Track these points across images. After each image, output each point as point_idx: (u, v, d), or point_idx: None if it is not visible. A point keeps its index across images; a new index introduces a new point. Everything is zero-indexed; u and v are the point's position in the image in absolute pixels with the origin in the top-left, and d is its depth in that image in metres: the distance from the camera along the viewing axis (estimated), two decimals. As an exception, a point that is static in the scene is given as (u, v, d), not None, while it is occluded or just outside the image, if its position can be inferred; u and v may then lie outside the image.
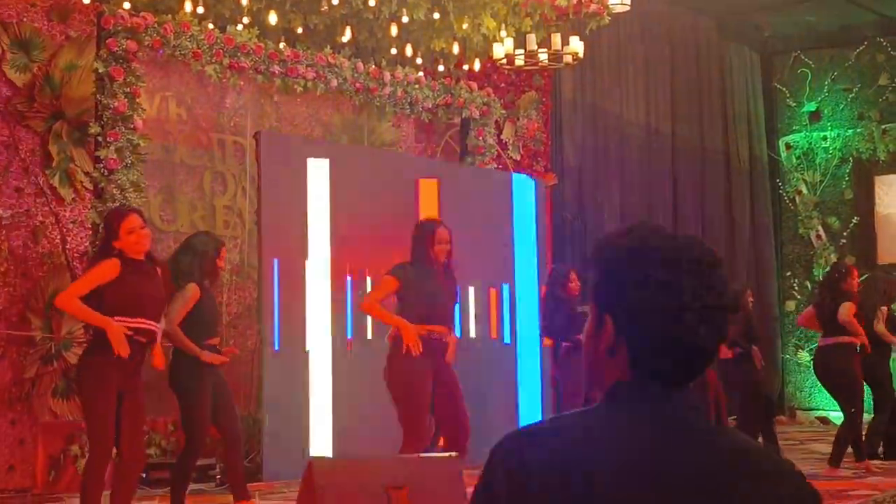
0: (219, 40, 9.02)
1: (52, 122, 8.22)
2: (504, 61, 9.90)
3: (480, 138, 11.34)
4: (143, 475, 7.92)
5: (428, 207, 9.12)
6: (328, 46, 9.94)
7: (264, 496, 7.58)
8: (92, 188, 8.35)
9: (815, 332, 14.41)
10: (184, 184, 9.18)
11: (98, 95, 8.38)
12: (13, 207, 8.00)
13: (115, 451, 5.91)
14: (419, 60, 10.64)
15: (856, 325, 9.01)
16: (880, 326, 9.32)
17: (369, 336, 8.70)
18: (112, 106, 8.33)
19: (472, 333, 9.53)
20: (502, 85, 11.86)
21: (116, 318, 5.69)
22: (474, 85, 11.25)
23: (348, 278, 8.77)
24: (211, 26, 9.06)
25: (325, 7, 9.24)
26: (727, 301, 1.65)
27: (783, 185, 15.48)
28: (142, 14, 8.58)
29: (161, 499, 7.54)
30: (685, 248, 1.65)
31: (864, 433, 9.32)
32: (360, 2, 9.28)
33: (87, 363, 5.88)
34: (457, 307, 7.41)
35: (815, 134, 15.22)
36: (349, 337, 8.73)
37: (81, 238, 8.26)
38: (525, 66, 9.98)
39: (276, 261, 8.33)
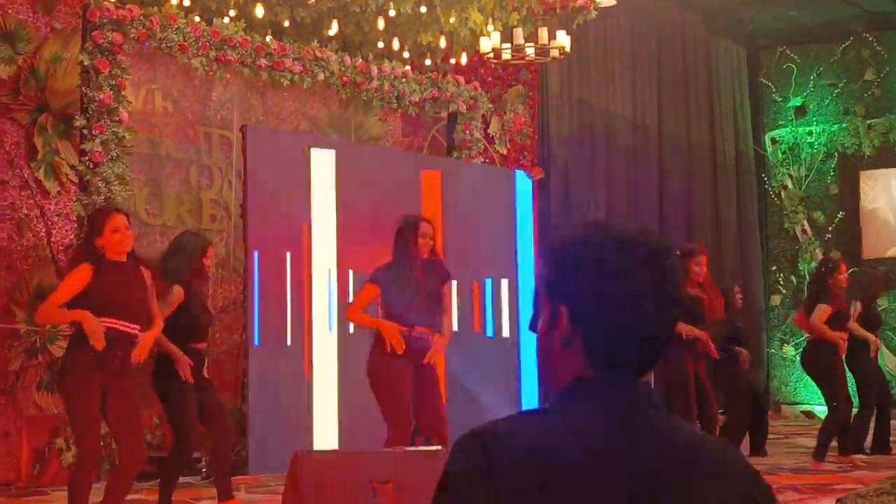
0: (205, 33, 9.00)
1: (37, 114, 8.19)
2: (491, 55, 9.89)
3: (467, 132, 11.34)
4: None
5: (430, 202, 9.15)
6: (315, 40, 9.92)
7: (250, 489, 7.58)
8: (77, 181, 8.32)
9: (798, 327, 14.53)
10: (170, 177, 9.16)
11: (83, 88, 8.35)
12: (-2, 200, 7.98)
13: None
14: (406, 54, 10.64)
15: (825, 331, 8.97)
16: (852, 323, 9.34)
17: (350, 330, 8.70)
18: (97, 98, 8.30)
19: (475, 328, 9.57)
20: (489, 79, 11.86)
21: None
22: (461, 79, 11.24)
23: (329, 271, 8.77)
24: (197, 19, 9.04)
25: (312, 0, 9.23)
26: (679, 295, 1.67)
27: (769, 179, 15.51)
28: (128, 6, 8.55)
29: (147, 492, 7.53)
30: (641, 238, 1.65)
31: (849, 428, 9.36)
32: (347, -5, 9.28)
33: (67, 361, 5.87)
34: (455, 303, 7.38)
35: (800, 129, 15.25)
36: (331, 331, 8.73)
37: (66, 231, 8.24)
38: (512, 60, 9.98)
39: (256, 253, 8.31)
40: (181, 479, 6.97)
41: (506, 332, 9.98)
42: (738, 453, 1.71)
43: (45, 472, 7.95)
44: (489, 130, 11.84)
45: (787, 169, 15.32)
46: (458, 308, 9.29)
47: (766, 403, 10.65)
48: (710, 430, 7.94)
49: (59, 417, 7.98)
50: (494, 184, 10.48)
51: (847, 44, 14.90)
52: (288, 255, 8.55)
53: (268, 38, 9.54)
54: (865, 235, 14.75)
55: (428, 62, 10.90)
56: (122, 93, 8.45)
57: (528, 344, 10.04)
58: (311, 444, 8.28)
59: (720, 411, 10.08)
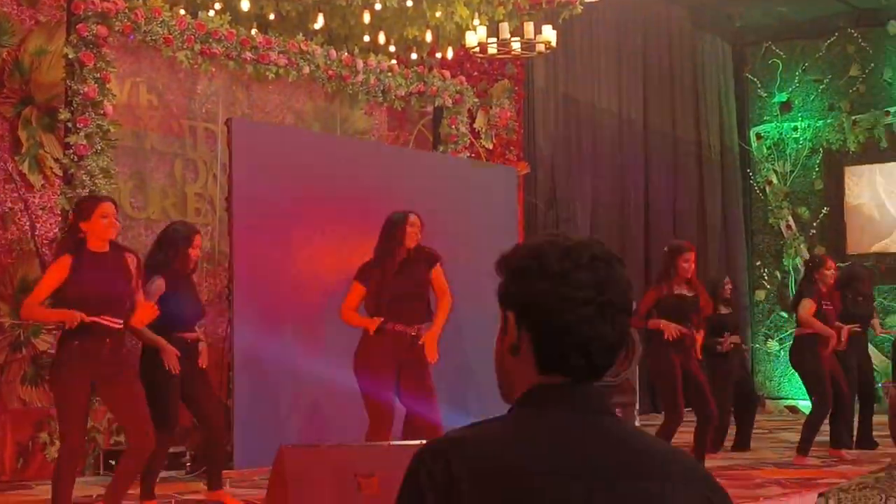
0: (190, 26, 8.97)
1: (22, 107, 8.15)
2: (477, 50, 9.89)
3: (453, 127, 11.33)
4: (113, 462, 7.92)
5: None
6: (300, 33, 9.90)
7: (235, 484, 7.56)
8: (61, 174, 8.29)
9: (783, 322, 14.58)
10: (154, 170, 9.13)
11: (68, 81, 8.32)
12: (-18, 193, 7.95)
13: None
14: (392, 48, 10.62)
15: (813, 324, 9.04)
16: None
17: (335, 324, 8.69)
18: (82, 91, 8.27)
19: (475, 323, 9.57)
20: (475, 73, 11.85)
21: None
22: (447, 73, 11.24)
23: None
24: (182, 12, 9.01)
25: (298, -6, 9.21)
26: (626, 299, 1.69)
27: (754, 175, 15.55)
28: (112, -1, 8.52)
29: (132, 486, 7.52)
30: (585, 246, 1.69)
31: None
32: (333, -11, 9.26)
33: (56, 355, 5.88)
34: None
35: (785, 124, 15.29)
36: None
37: (51, 224, 8.21)
38: (498, 54, 9.98)
39: (240, 246, 8.30)
40: (164, 473, 6.96)
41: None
42: (693, 458, 1.75)
43: (29, 467, 7.93)
44: (475, 125, 11.84)
45: (772, 164, 15.36)
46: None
47: (755, 398, 10.67)
48: (706, 427, 7.95)
49: (43, 411, 7.96)
50: (481, 179, 10.47)
51: (832, 40, 14.94)
52: (273, 248, 8.54)
53: (253, 32, 9.52)
54: (850, 231, 14.80)
55: (414, 56, 10.89)
56: (107, 86, 8.42)
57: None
58: (295, 438, 8.27)
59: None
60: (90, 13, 8.35)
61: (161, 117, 9.18)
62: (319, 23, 9.71)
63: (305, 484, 5.07)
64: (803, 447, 8.98)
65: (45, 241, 8.15)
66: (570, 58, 13.10)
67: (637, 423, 9.89)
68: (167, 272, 6.61)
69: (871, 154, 14.68)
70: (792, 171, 15.25)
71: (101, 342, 5.68)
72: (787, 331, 14.47)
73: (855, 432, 9.83)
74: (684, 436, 8.51)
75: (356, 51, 10.35)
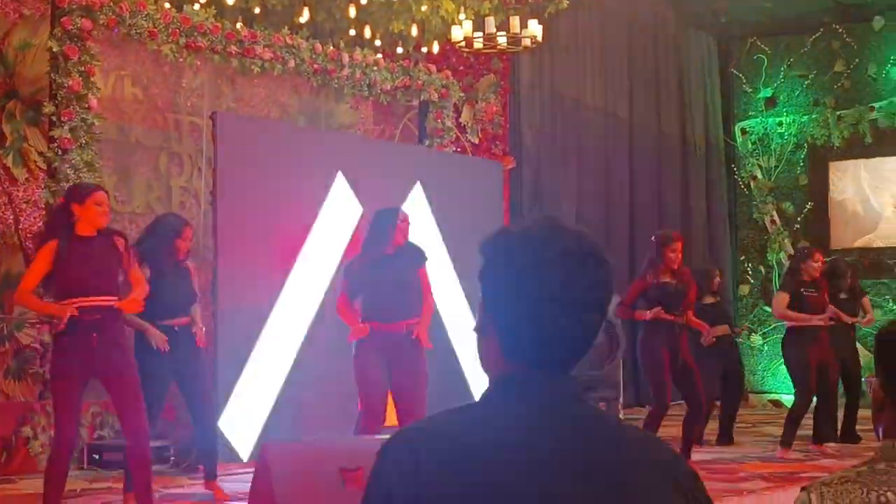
0: (175, 20, 8.95)
1: (6, 101, 8.12)
2: (463, 44, 9.89)
3: (439, 121, 11.33)
4: (96, 456, 7.91)
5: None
6: (286, 27, 9.88)
7: (220, 479, 7.55)
8: (46, 168, 8.26)
9: (766, 316, 14.62)
10: (139, 164, 9.10)
11: (52, 74, 8.29)
12: (-35, 187, 7.92)
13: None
14: (378, 42, 10.61)
15: (788, 316, 9.16)
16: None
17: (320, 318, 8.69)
18: (66, 85, 8.24)
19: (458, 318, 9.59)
20: (461, 68, 11.85)
21: (68, 300, 5.68)
22: (433, 67, 11.23)
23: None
24: (167, 5, 8.99)
25: (283, -13, 9.19)
26: (595, 297, 1.66)
27: (738, 170, 15.59)
28: (97, -8, 8.49)
29: (114, 480, 7.51)
30: (559, 239, 1.66)
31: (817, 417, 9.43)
32: (319, -18, 9.24)
33: (53, 348, 5.92)
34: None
35: (770, 120, 15.33)
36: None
37: (35, 218, 8.18)
38: (484, 49, 9.98)
39: (225, 241, 8.29)
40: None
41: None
42: (661, 442, 1.75)
43: (13, 461, 7.90)
44: (461, 119, 11.84)
45: (757, 159, 15.41)
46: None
47: (740, 392, 10.70)
48: (696, 415, 7.98)
49: (27, 406, 7.95)
50: (467, 173, 10.47)
51: (817, 35, 14.98)
52: (258, 242, 8.53)
53: (238, 25, 9.50)
54: (834, 226, 14.85)
55: (399, 50, 10.88)
56: (92, 79, 8.40)
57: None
58: (280, 433, 8.26)
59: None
60: (74, 6, 8.32)
61: (146, 111, 9.15)
62: (305, 17, 9.69)
63: (290, 478, 5.07)
64: (785, 440, 9.02)
65: (28, 235, 8.12)
66: (556, 53, 13.09)
67: (621, 417, 9.91)
68: (153, 261, 6.62)
69: (856, 149, 14.73)
70: (776, 167, 15.29)
71: (89, 336, 5.67)
72: (770, 325, 14.53)
73: (840, 426, 9.88)
74: (671, 429, 8.54)
75: (342, 45, 10.34)
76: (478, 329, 1.71)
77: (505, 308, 1.66)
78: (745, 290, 15.37)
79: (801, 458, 8.89)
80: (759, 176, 15.37)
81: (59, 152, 8.20)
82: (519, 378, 1.66)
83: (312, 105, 10.42)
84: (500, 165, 11.60)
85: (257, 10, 9.62)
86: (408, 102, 11.25)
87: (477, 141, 12.01)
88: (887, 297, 14.20)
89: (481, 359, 1.72)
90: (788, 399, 13.82)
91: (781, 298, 9.24)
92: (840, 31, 14.83)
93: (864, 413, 9.82)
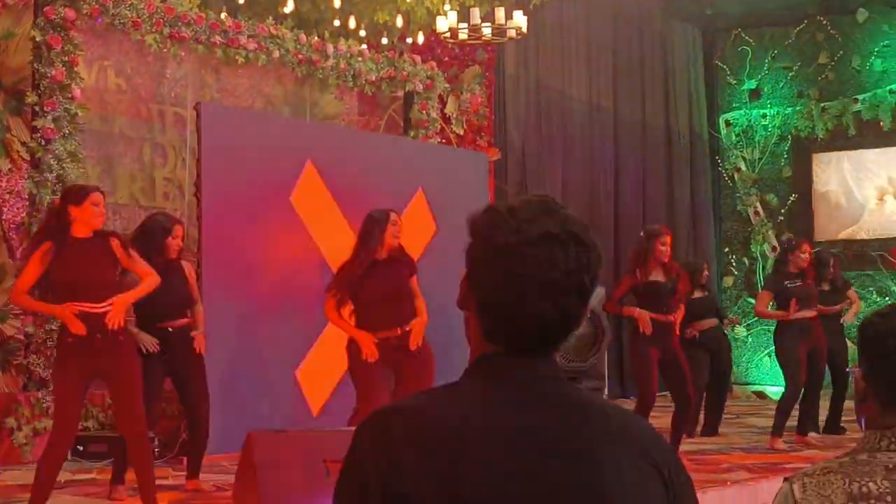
0: (159, 9, 8.91)
1: (-12, 90, 8.09)
2: (447, 35, 9.88)
3: (424, 112, 11.32)
4: (80, 448, 7.89)
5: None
6: (270, 17, 9.86)
7: (204, 470, 7.54)
8: (29, 158, 8.23)
9: (750, 308, 14.66)
10: (123, 155, 9.07)
11: (35, 64, 8.25)
12: (-53, 177, 7.88)
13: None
14: (362, 33, 10.60)
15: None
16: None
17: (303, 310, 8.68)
18: (49, 75, 8.21)
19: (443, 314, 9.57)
20: (446, 59, 11.84)
21: (67, 302, 5.68)
22: (418, 58, 11.22)
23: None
24: (151, -5, 8.96)
25: (268, -23, 9.17)
26: (575, 282, 1.64)
27: (722, 162, 15.62)
28: (80, -18, 8.45)
29: (98, 472, 7.50)
30: (539, 220, 1.64)
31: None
32: (303, -27, 9.22)
33: (56, 349, 5.92)
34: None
35: (754, 111, 15.36)
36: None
37: (18, 209, 8.15)
38: (468, 40, 9.98)
39: (209, 232, 8.27)
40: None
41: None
42: (641, 418, 1.76)
43: (-4, 452, 7.89)
44: (446, 110, 11.83)
45: (741, 151, 15.44)
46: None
47: (728, 385, 10.74)
48: (683, 414, 7.99)
49: (11, 397, 7.92)
50: (452, 164, 10.47)
51: (802, 27, 15.01)
52: (242, 233, 8.51)
53: (222, 15, 9.47)
54: (817, 218, 14.89)
55: (384, 41, 10.87)
56: (75, 69, 8.36)
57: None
58: (264, 423, 8.25)
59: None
60: (58, -4, 8.28)
61: (129, 101, 9.12)
62: (289, 7, 9.67)
63: (274, 469, 5.07)
64: (776, 429, 9.07)
65: (11, 226, 8.09)
66: (541, 44, 13.10)
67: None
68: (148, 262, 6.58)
69: (840, 141, 14.77)
70: (760, 158, 15.33)
71: (92, 335, 5.66)
72: (754, 317, 14.56)
73: (825, 418, 9.93)
74: (662, 419, 8.56)
75: (326, 35, 10.32)
76: (459, 304, 1.71)
77: (483, 285, 1.66)
78: (728, 282, 15.41)
79: (784, 450, 8.93)
80: (743, 168, 15.41)
81: (43, 142, 8.17)
82: (495, 359, 1.66)
83: (297, 95, 10.40)
84: (485, 156, 11.59)
85: (241, 1, 9.60)
86: (392, 93, 11.24)
87: (462, 132, 12.00)
88: (871, 288, 14.25)
89: (466, 337, 1.73)
90: (772, 391, 13.89)
91: (762, 297, 9.52)
92: (824, 23, 14.86)
93: (850, 404, 9.88)
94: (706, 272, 10.33)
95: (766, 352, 14.72)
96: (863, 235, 14.58)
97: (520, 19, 9.79)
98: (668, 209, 14.88)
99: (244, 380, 8.45)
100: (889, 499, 2.08)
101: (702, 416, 10.05)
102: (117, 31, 8.83)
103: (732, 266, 15.46)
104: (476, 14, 9.75)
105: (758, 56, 15.33)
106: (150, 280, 6.01)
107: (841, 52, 14.77)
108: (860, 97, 14.59)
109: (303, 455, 5.09)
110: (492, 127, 12.45)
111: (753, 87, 15.39)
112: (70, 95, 8.29)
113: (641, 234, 8.33)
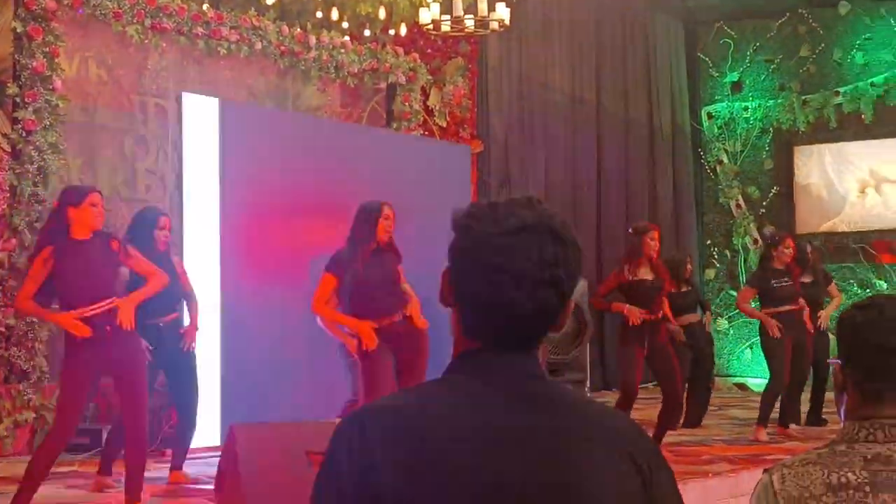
0: (140, 0, 8.88)
1: (-31, 81, 8.05)
2: (430, 27, 9.86)
3: (406, 104, 11.31)
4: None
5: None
6: (252, 9, 9.83)
7: (186, 462, 7.54)
8: (10, 150, 8.20)
9: (732, 300, 14.71)
10: (104, 147, 9.04)
11: (16, 55, 8.21)
12: (-72, 168, 7.84)
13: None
14: (345, 24, 10.57)
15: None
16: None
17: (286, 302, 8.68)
18: (30, 66, 8.17)
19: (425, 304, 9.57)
20: (429, 51, 11.83)
21: (73, 309, 5.68)
22: (400, 50, 11.21)
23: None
24: (133, -14, 8.92)
25: (250, -31, 9.14)
26: (551, 275, 1.64)
27: (704, 154, 15.66)
28: (61, -28, 8.41)
29: (81, 464, 7.49)
30: (516, 213, 1.66)
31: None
32: (286, -36, 9.20)
33: (65, 349, 5.91)
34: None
35: (736, 104, 15.40)
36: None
37: (-1, 200, 8.12)
38: (451, 32, 9.96)
39: (191, 224, 8.27)
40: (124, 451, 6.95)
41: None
42: (623, 414, 1.77)
43: (-22, 445, 7.86)
44: (428, 102, 11.82)
45: (723, 144, 15.47)
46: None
47: (711, 379, 10.77)
48: (671, 411, 8.00)
49: (-8, 389, 7.90)
50: (434, 156, 10.47)
51: (783, 20, 15.04)
52: (225, 224, 8.50)
53: (204, 7, 9.44)
54: (799, 210, 14.94)
55: (367, 33, 10.85)
56: (56, 60, 8.33)
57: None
58: (246, 416, 8.24)
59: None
60: (38, -14, 8.24)
61: (111, 93, 9.09)
62: (272, -2, 9.64)
63: (257, 462, 5.07)
64: (761, 419, 9.11)
65: (-8, 218, 8.06)
66: (524, 36, 13.10)
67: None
68: None
69: (821, 134, 14.82)
70: (742, 151, 15.37)
71: (103, 331, 5.67)
72: (736, 309, 14.61)
73: (807, 410, 9.97)
74: (649, 411, 8.58)
75: (309, 27, 10.29)
76: (440, 299, 1.73)
77: (460, 276, 1.67)
78: (710, 274, 15.46)
79: (766, 441, 8.97)
80: (725, 160, 15.45)
81: (24, 134, 8.14)
82: (475, 355, 1.67)
83: (279, 87, 10.38)
84: (467, 149, 11.60)
85: (224, -8, 9.57)
86: (375, 85, 11.23)
87: (445, 124, 12.00)
88: (852, 281, 14.31)
89: (454, 341, 1.73)
90: (754, 382, 13.94)
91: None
92: (806, 15, 14.90)
93: (831, 396, 9.93)
94: (689, 267, 10.37)
95: (747, 344, 14.78)
96: (844, 228, 14.64)
97: (503, 11, 9.77)
98: (650, 202, 14.91)
99: (227, 374, 8.44)
100: (867, 489, 2.10)
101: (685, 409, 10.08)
102: (98, 22, 8.79)
103: (714, 258, 15.50)
104: (459, 6, 9.73)
105: (740, 48, 15.36)
106: (156, 279, 6.05)
107: (822, 44, 14.81)
108: (842, 90, 14.64)
109: (286, 447, 5.10)
110: (474, 119, 12.45)
111: (735, 79, 15.42)
112: (51, 87, 8.26)
113: (630, 230, 8.37)
